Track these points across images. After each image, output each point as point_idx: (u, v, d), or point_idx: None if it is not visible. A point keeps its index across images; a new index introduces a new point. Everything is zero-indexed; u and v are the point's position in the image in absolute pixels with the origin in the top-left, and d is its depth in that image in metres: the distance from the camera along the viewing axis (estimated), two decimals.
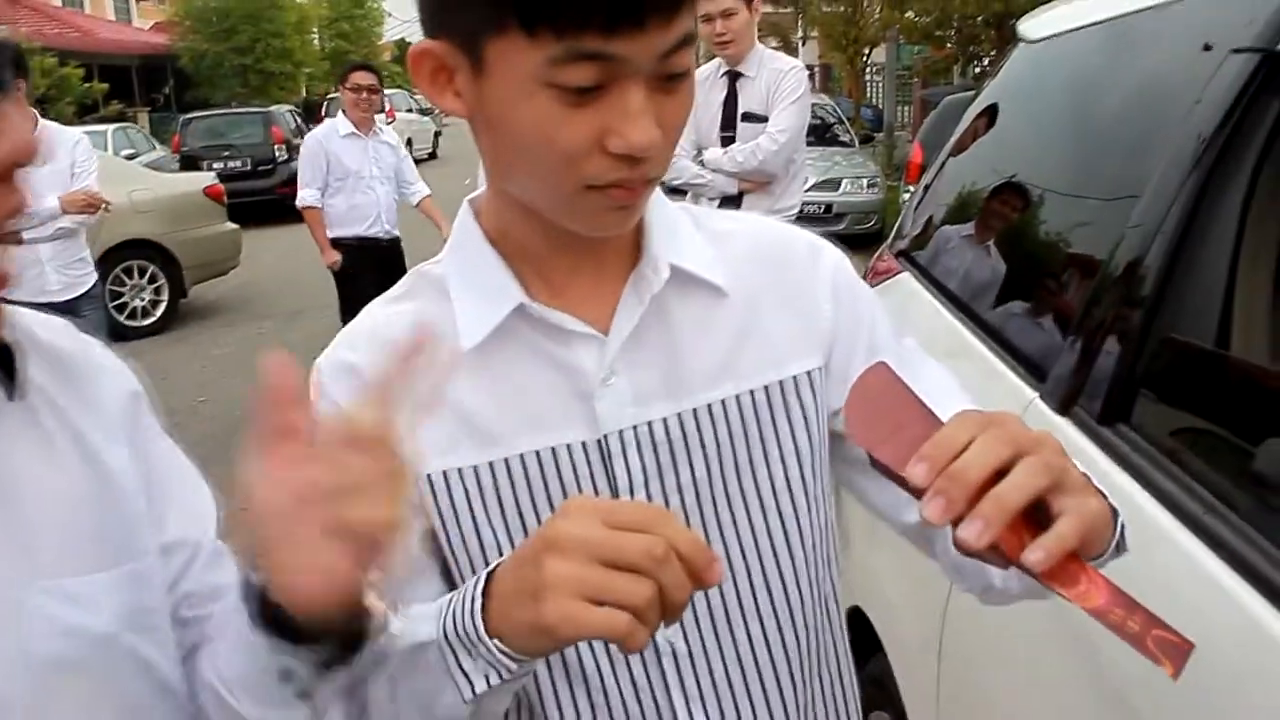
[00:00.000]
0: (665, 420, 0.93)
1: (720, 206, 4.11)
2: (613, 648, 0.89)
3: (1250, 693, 1.06)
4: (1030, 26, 2.44)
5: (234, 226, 9.88)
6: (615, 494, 0.92)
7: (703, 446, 0.94)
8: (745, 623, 0.96)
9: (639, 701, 0.93)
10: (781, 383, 0.96)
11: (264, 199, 15.07)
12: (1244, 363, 1.33)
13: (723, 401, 0.94)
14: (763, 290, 0.97)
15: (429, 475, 0.90)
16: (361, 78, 5.80)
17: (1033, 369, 1.70)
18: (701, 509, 0.94)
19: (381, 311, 0.98)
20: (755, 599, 0.95)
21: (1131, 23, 1.89)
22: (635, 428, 0.92)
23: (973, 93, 2.92)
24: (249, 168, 15.58)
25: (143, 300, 8.97)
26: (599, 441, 0.92)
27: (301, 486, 0.70)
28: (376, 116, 5.96)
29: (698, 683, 0.94)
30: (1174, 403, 1.42)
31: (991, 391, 1.81)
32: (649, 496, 0.93)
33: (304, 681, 0.80)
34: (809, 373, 0.97)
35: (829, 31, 21.49)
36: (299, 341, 8.50)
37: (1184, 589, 1.16)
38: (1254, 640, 1.05)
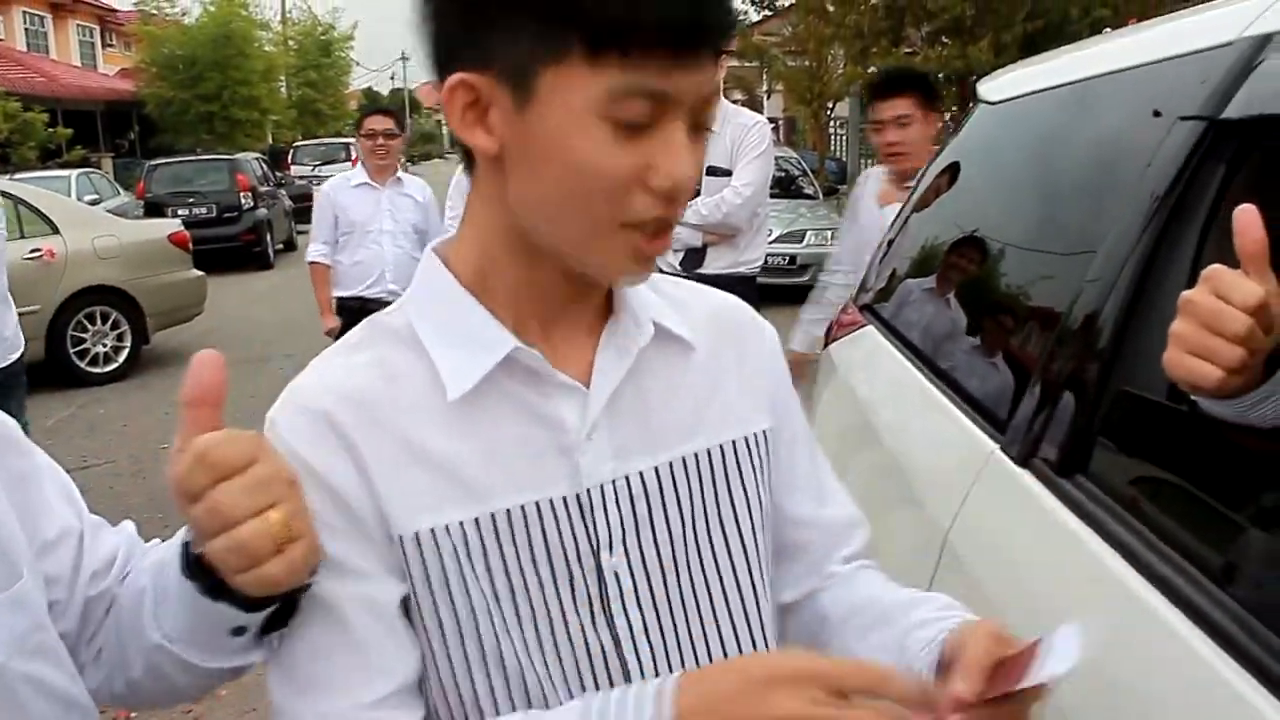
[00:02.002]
0: (642, 473, 0.95)
1: (685, 259, 4.16)
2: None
3: None
4: (990, 88, 2.50)
5: (199, 273, 9.83)
6: (595, 547, 0.92)
7: (677, 499, 0.96)
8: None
9: None
10: (747, 439, 1.01)
11: (229, 246, 15.03)
12: (1196, 413, 1.37)
13: (695, 455, 0.97)
14: (721, 352, 1.02)
15: (417, 533, 0.88)
16: (377, 122, 5.18)
17: (993, 421, 1.74)
18: (675, 560, 0.96)
19: (339, 361, 0.94)
20: (722, 645, 0.98)
21: (1087, 88, 1.96)
22: (614, 481, 0.93)
23: (935, 149, 2.99)
24: (214, 215, 15.52)
25: (105, 347, 8.89)
26: (578, 496, 0.92)
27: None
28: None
29: None
30: (1130, 454, 1.46)
31: (953, 443, 1.85)
32: (627, 549, 0.93)
33: (255, 629, 0.86)
34: (765, 431, 1.03)
35: (793, 86, 21.77)
36: (264, 389, 8.33)
37: (1139, 638, 1.19)
38: (1205, 686, 1.08)
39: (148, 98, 28.71)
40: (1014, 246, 2.13)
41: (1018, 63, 2.60)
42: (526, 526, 0.91)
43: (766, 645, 1.01)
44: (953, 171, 2.63)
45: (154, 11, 30.22)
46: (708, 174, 4.21)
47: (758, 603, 1.01)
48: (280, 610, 0.86)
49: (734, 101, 4.82)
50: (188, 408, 0.79)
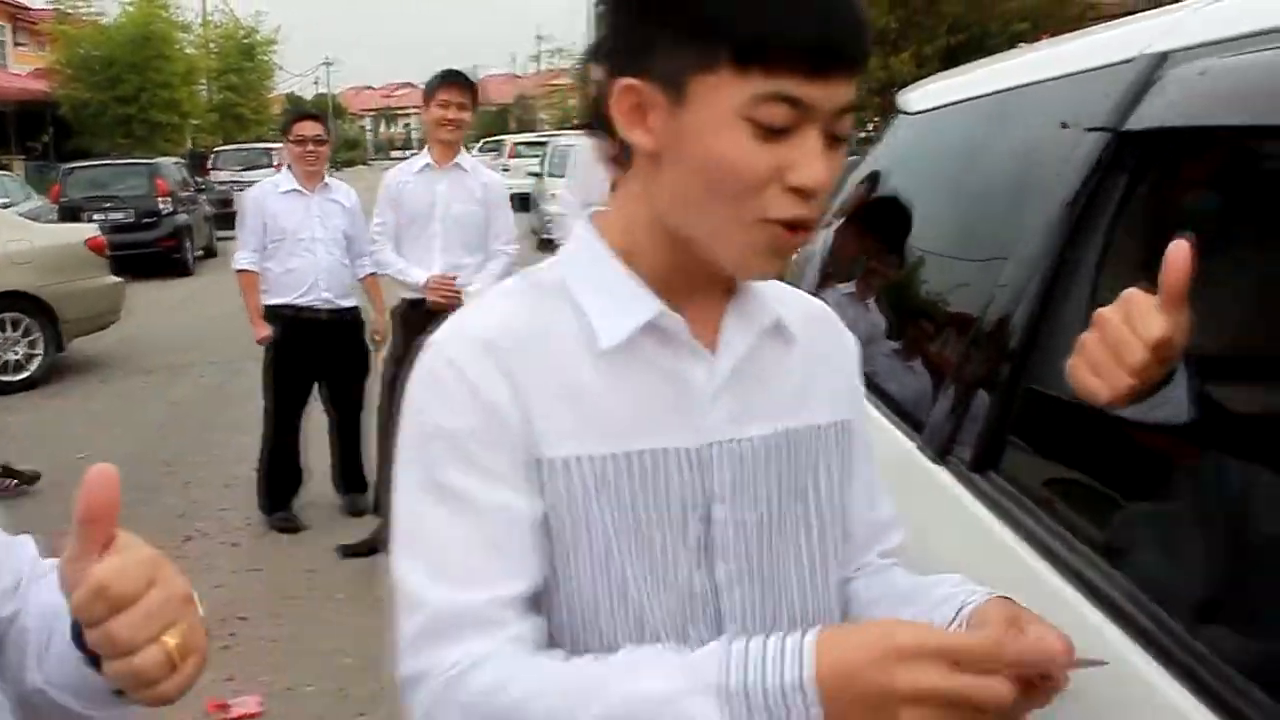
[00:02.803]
0: (753, 439, 1.05)
1: None
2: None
3: None
4: (910, 99, 2.57)
5: (116, 280, 9.64)
6: (708, 498, 1.02)
7: (779, 467, 1.06)
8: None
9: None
10: (835, 424, 1.12)
11: (148, 252, 14.77)
12: (1100, 412, 1.43)
13: (795, 430, 1.08)
14: (814, 348, 1.13)
15: (555, 459, 0.98)
16: (307, 128, 5.18)
17: (912, 421, 1.79)
18: (770, 521, 1.06)
19: (500, 304, 1.04)
20: (793, 608, 1.07)
21: (1002, 100, 2.03)
22: (729, 441, 1.03)
23: (856, 158, 3.06)
24: (133, 220, 15.23)
25: (17, 354, 8.69)
26: (698, 450, 1.02)
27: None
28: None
29: None
30: (1039, 451, 1.52)
31: (873, 441, 1.90)
32: (731, 505, 1.03)
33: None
34: (847, 422, 1.14)
35: None
36: (182, 397, 8.32)
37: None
38: (1115, 671, 1.13)
39: (62, 99, 28.08)
40: (931, 253, 2.20)
41: (937, 74, 2.68)
42: (652, 469, 1.00)
43: (831, 613, 1.10)
44: (873, 180, 2.69)
45: (70, 10, 29.58)
46: None
47: (827, 574, 1.10)
48: None
49: None
50: (81, 525, 0.80)
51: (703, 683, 0.82)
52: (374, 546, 4.90)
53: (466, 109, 4.67)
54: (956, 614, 1.01)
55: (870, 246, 2.53)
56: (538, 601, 0.98)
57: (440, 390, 0.98)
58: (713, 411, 1.02)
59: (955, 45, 14.58)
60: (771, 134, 0.90)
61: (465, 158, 4.87)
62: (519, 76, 77.24)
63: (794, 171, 0.91)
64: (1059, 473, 1.48)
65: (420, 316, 4.68)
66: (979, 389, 1.58)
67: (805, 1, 0.89)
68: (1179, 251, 1.00)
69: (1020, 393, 1.50)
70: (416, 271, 4.70)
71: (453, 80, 4.66)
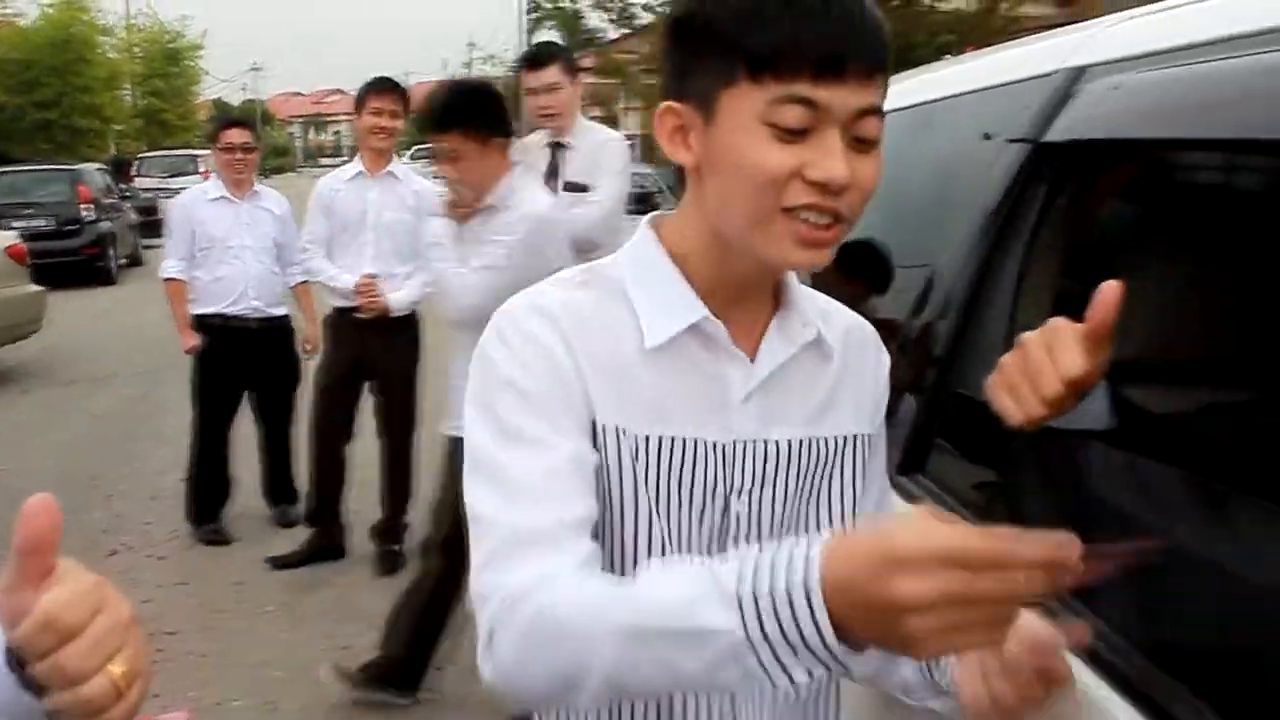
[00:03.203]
0: (778, 441, 1.12)
1: None
2: None
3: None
4: None
5: (37, 288, 9.44)
6: (728, 490, 1.10)
7: (798, 471, 1.14)
8: None
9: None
10: (857, 437, 1.19)
11: (70, 260, 14.47)
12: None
13: (819, 439, 1.15)
14: (849, 363, 1.19)
15: (606, 425, 1.07)
16: (236, 135, 5.13)
17: None
18: (783, 521, 1.13)
19: (564, 289, 1.13)
20: None
21: (929, 110, 2.07)
22: (755, 441, 1.11)
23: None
24: (54, 227, 14.91)
25: None
26: (726, 445, 1.10)
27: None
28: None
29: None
30: (964, 453, 1.56)
31: None
32: (750, 500, 1.11)
33: None
34: (869, 436, 1.21)
35: (652, 103, 22.02)
36: (105, 408, 8.15)
37: None
38: None
39: None
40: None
41: None
42: (683, 455, 1.09)
43: None
44: None
45: None
46: (565, 189, 4.26)
47: None
48: None
49: (592, 118, 4.88)
50: (20, 556, 0.79)
51: (720, 589, 0.84)
52: (304, 558, 4.86)
53: (398, 117, 4.66)
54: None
55: None
56: (595, 531, 1.06)
57: (511, 348, 1.07)
58: (743, 412, 1.11)
59: None
60: (790, 135, 0.98)
61: (397, 166, 4.84)
62: None
63: (813, 168, 0.98)
64: (984, 476, 1.52)
65: (350, 325, 4.65)
66: (906, 393, 1.61)
67: (812, 11, 0.97)
68: (1109, 293, 1.03)
69: (946, 397, 1.54)
70: (346, 277, 4.66)
71: (384, 88, 4.65)
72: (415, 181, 4.90)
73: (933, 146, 2.00)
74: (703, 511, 1.10)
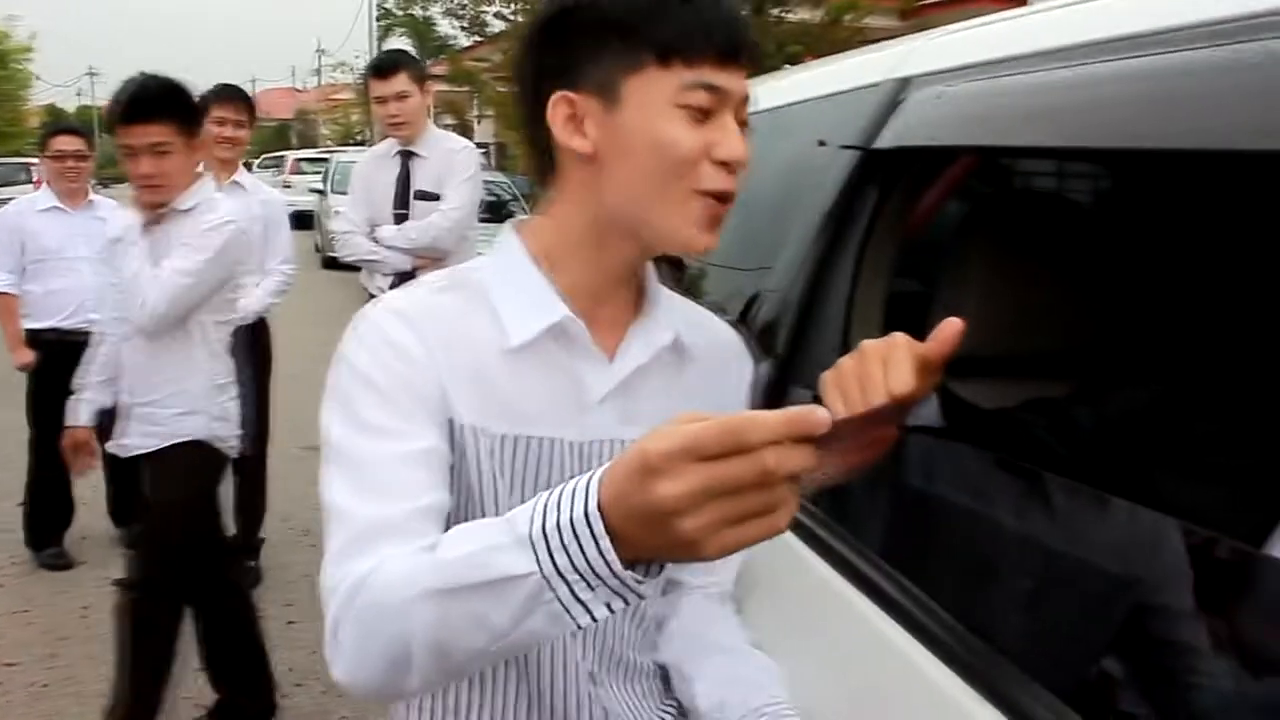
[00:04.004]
0: (634, 442, 1.05)
1: (394, 283, 4.16)
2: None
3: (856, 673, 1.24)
4: None
5: None
6: None
7: None
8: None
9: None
10: None
11: None
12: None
13: None
14: (711, 369, 1.25)
15: (464, 425, 1.10)
16: (66, 143, 4.91)
17: None
18: None
19: (424, 291, 1.15)
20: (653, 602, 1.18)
21: (772, 116, 2.14)
22: (612, 441, 1.15)
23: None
24: None
25: None
26: (583, 445, 1.15)
27: None
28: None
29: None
30: None
31: None
32: None
33: None
34: None
35: (504, 111, 21.96)
36: None
37: (828, 617, 1.35)
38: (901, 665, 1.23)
39: None
40: (711, 263, 2.30)
41: None
42: (540, 455, 1.13)
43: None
44: None
45: None
46: (416, 198, 4.25)
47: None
48: None
49: (444, 126, 4.87)
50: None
51: (514, 535, 0.85)
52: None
53: (244, 125, 4.54)
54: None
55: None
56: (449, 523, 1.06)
57: (367, 346, 1.09)
58: (601, 412, 1.15)
59: None
60: (698, 117, 1.05)
61: (244, 176, 4.71)
62: (299, 90, 75.08)
63: (719, 147, 1.06)
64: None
65: None
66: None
67: (710, 4, 1.06)
68: (949, 329, 1.05)
69: (786, 394, 1.60)
70: None
71: (227, 96, 4.53)
72: (263, 191, 4.79)
73: (776, 152, 2.07)
74: None
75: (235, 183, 4.61)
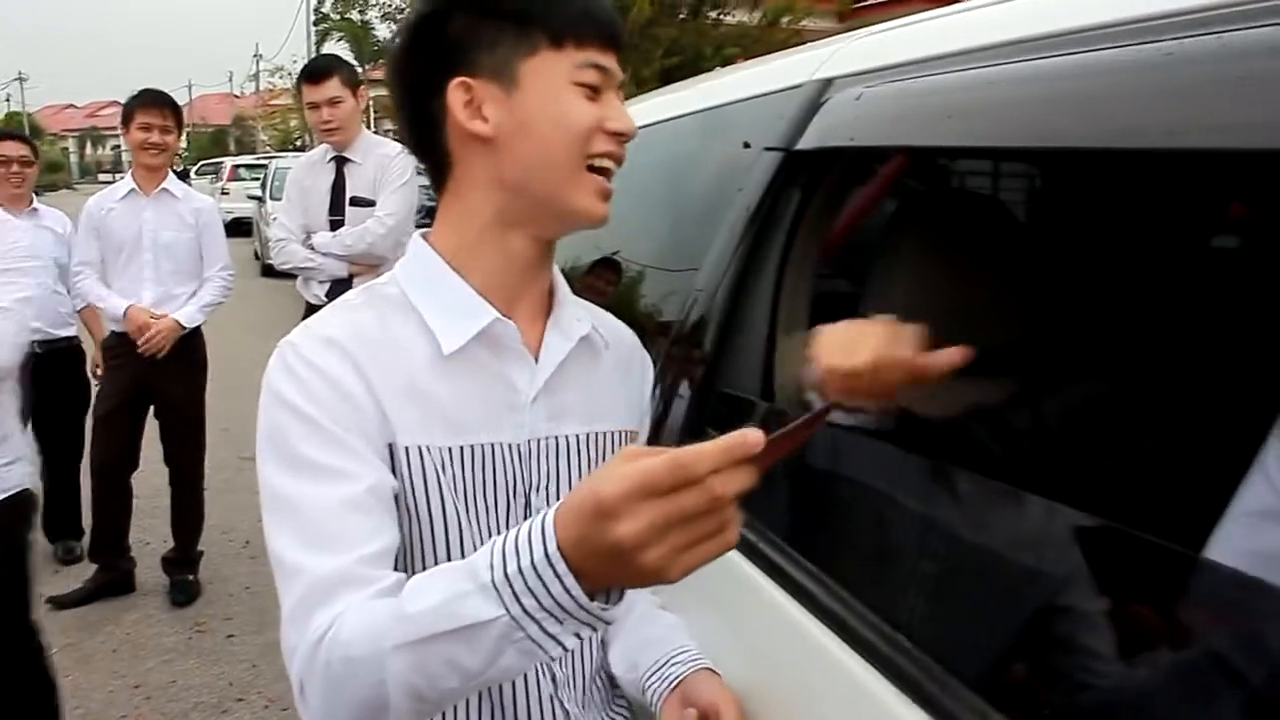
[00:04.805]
0: (567, 437, 1.21)
1: (330, 290, 4.12)
2: None
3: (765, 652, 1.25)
4: None
5: None
6: (527, 488, 1.18)
7: (586, 464, 1.22)
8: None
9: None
10: (630, 432, 1.29)
11: None
12: (779, 412, 1.55)
13: (601, 433, 1.24)
14: (619, 363, 1.30)
15: (407, 446, 1.10)
16: (10, 148, 4.78)
17: None
18: None
19: (344, 313, 1.16)
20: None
21: (698, 120, 2.16)
22: (546, 439, 1.19)
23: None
24: None
25: None
26: (520, 445, 1.17)
27: None
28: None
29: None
30: None
31: None
32: (547, 495, 1.19)
33: None
34: (635, 431, 1.31)
35: None
36: None
37: (752, 616, 1.36)
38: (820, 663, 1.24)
39: None
40: (639, 263, 2.31)
41: (637, 97, 2.80)
42: (484, 461, 1.15)
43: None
44: None
45: None
46: (351, 204, 4.22)
47: None
48: None
49: (384, 132, 4.84)
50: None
51: (477, 583, 0.88)
52: (90, 595, 4.62)
53: (170, 131, 4.46)
54: (667, 681, 1.24)
55: (586, 259, 2.61)
56: (402, 560, 1.10)
57: (296, 379, 1.08)
58: (534, 411, 1.18)
59: (671, 67, 15.08)
60: (590, 94, 1.12)
61: (174, 183, 4.63)
62: (237, 96, 74.19)
63: (611, 121, 1.13)
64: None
65: (129, 349, 4.44)
66: (678, 390, 1.68)
67: None
68: (954, 356, 1.19)
69: (713, 393, 1.61)
70: (116, 300, 4.45)
71: (151, 101, 4.45)
72: (195, 199, 4.71)
73: (701, 153, 2.08)
74: (508, 512, 1.16)
75: (165, 190, 4.55)
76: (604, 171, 1.15)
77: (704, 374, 1.62)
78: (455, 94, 1.13)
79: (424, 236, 1.22)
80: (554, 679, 1.21)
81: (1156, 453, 1.37)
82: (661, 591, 1.38)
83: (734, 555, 1.38)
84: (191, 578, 4.69)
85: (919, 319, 1.63)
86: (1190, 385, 1.44)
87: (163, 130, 4.42)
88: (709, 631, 1.34)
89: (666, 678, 1.24)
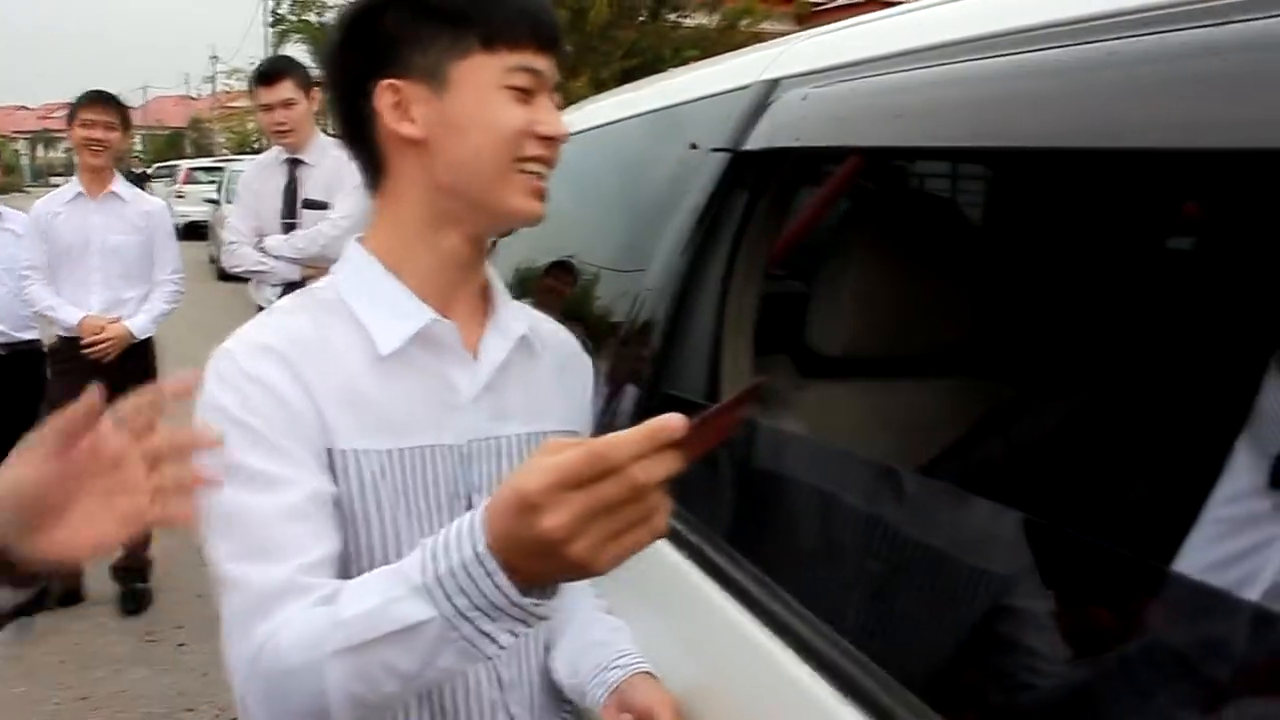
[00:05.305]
0: (508, 438, 1.19)
1: (283, 293, 4.07)
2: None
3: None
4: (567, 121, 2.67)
5: None
6: (469, 490, 1.16)
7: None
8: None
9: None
10: (571, 432, 1.26)
11: None
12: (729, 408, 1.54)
13: (542, 433, 1.22)
14: (559, 365, 1.29)
15: (345, 450, 1.09)
16: None
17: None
18: None
19: (279, 318, 1.15)
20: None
21: (644, 122, 2.15)
22: (487, 440, 1.18)
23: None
24: None
25: None
26: (461, 447, 1.16)
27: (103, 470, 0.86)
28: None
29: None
30: None
31: None
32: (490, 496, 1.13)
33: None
34: (577, 431, 1.28)
35: None
36: None
37: (690, 611, 1.35)
38: (725, 630, 1.23)
39: None
40: (594, 265, 2.29)
41: (589, 99, 2.79)
42: (424, 464, 1.14)
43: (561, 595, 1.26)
44: None
45: None
46: (305, 206, 4.17)
47: None
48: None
49: (335, 135, 4.78)
50: None
51: (409, 585, 0.88)
52: (35, 605, 4.53)
53: (114, 129, 4.38)
54: (606, 686, 1.22)
55: (542, 259, 2.60)
56: (344, 565, 1.08)
57: (233, 388, 1.07)
58: (475, 411, 1.16)
59: (630, 69, 15.07)
60: (521, 97, 1.11)
61: (121, 185, 4.55)
62: (193, 98, 73.39)
63: (541, 124, 1.12)
64: (695, 469, 1.58)
65: (78, 354, 4.36)
66: (625, 389, 1.67)
67: None
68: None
69: (659, 393, 1.59)
70: (68, 310, 4.37)
71: (94, 99, 4.36)
72: (145, 201, 4.64)
73: (649, 155, 2.07)
74: (450, 515, 1.11)
75: (113, 193, 4.47)
76: (538, 168, 1.14)
77: (650, 376, 1.61)
78: (383, 95, 1.12)
79: (359, 240, 1.21)
80: (500, 683, 1.20)
81: (1124, 461, 1.37)
82: (607, 594, 1.37)
83: (677, 557, 1.38)
84: (142, 586, 4.62)
85: (867, 319, 1.64)
86: (1146, 389, 1.44)
87: (105, 127, 4.34)
88: (652, 635, 1.33)
89: (605, 682, 1.23)
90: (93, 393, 0.85)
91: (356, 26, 1.15)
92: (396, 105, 1.12)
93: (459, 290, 1.19)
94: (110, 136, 4.38)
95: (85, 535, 0.88)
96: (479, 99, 1.11)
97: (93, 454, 0.86)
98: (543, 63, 1.13)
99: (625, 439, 0.78)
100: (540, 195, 1.15)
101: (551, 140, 1.14)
